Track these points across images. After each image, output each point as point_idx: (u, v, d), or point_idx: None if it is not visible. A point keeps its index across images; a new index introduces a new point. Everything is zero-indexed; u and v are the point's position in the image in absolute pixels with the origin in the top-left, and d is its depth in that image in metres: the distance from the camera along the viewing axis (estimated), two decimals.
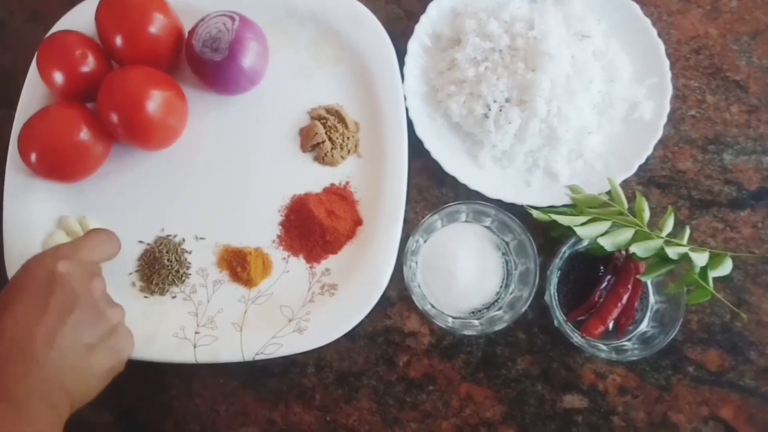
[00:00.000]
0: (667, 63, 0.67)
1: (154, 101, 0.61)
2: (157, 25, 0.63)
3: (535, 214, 0.61)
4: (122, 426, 0.65)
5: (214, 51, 0.63)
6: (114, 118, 0.61)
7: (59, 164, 0.63)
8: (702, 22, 0.72)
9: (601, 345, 0.61)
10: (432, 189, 0.68)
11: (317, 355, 0.65)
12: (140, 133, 0.63)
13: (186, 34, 0.66)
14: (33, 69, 0.67)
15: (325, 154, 0.67)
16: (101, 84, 0.61)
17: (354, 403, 0.64)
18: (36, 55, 0.63)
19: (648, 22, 0.68)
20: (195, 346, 0.63)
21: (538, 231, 0.63)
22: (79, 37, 0.63)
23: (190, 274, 0.65)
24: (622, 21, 0.69)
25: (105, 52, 0.65)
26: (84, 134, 0.62)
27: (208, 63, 0.63)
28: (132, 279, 0.65)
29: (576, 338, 0.60)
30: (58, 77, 0.62)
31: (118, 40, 0.63)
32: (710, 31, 0.71)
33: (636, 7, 0.68)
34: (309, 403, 0.64)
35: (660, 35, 0.68)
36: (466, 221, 0.65)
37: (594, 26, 0.68)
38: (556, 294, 0.62)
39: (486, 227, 0.65)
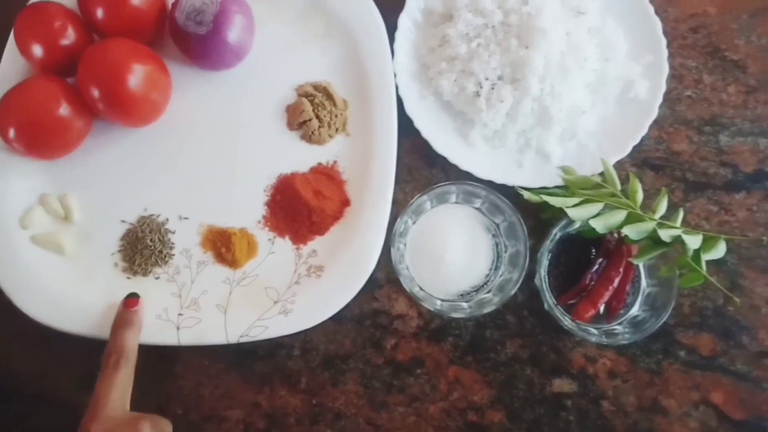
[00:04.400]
0: (663, 41, 0.66)
1: (136, 75, 0.60)
2: None
3: (526, 195, 0.60)
4: None
5: (198, 24, 0.61)
6: (94, 92, 0.59)
7: (38, 140, 0.61)
8: (701, 0, 0.70)
9: (591, 329, 0.60)
10: (422, 169, 0.67)
11: (303, 337, 0.64)
12: (121, 108, 0.61)
13: (170, 6, 0.63)
14: (12, 40, 0.65)
15: (312, 133, 0.65)
16: (81, 57, 0.60)
17: (340, 387, 0.63)
18: (14, 26, 0.61)
19: None
20: (178, 328, 0.61)
21: (529, 213, 0.62)
22: (58, 8, 0.61)
23: (173, 255, 0.64)
24: None
25: (86, 24, 0.63)
26: (64, 109, 0.60)
27: (192, 36, 0.61)
28: (114, 260, 0.64)
29: (566, 322, 0.59)
30: (37, 50, 0.61)
31: (99, 12, 0.61)
32: (709, 9, 0.70)
33: None
34: (295, 386, 0.63)
35: (657, 12, 0.66)
36: (456, 202, 0.64)
37: (590, 2, 0.66)
38: (546, 277, 0.61)
39: (476, 209, 0.63)
